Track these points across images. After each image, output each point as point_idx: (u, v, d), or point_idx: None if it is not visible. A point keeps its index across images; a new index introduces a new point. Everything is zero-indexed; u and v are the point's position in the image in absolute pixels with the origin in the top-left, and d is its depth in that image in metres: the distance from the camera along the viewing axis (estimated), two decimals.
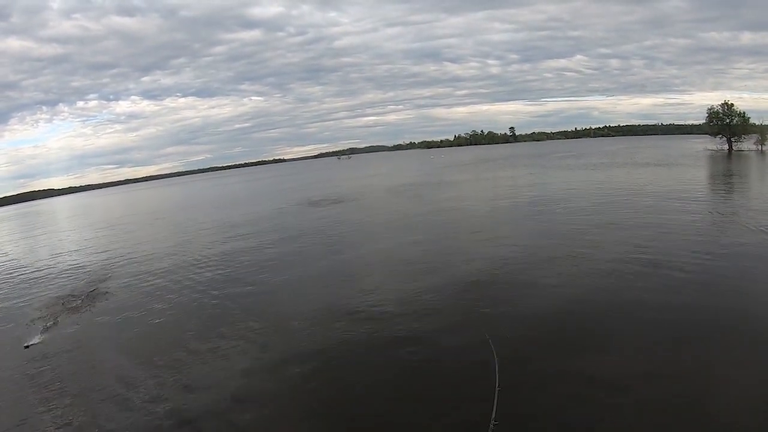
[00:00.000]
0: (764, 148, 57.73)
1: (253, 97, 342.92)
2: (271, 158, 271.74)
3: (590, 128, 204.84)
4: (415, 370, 8.78)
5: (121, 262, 21.24)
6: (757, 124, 60.94)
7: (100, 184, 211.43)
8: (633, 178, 37.03)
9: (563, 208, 24.40)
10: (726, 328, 9.36)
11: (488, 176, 50.98)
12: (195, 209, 46.42)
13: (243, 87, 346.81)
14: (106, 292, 16.23)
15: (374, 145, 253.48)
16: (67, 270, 21.12)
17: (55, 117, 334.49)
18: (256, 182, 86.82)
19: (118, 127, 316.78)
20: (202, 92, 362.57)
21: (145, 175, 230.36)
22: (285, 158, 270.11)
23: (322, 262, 17.64)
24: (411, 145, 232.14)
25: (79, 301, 15.39)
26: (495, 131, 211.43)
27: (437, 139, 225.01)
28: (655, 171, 42.25)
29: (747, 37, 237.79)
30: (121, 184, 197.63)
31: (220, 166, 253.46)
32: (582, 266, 14.16)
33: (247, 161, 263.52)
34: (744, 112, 60.74)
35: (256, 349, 10.34)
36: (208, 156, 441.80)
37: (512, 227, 21.56)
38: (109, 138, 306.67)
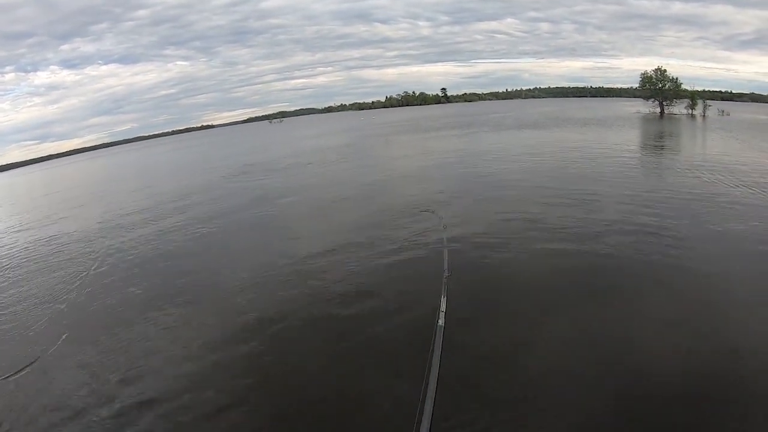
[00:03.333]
0: (694, 111, 62.43)
1: (178, 62, 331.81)
2: (199, 125, 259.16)
3: (521, 90, 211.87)
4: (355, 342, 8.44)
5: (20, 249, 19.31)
6: (689, 89, 66.92)
7: (21, 162, 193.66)
8: (580, 137, 39.06)
9: (519, 168, 25.35)
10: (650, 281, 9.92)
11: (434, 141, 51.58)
12: (119, 184, 43.39)
13: (167, 52, 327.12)
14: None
15: (304, 108, 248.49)
16: None
17: None
18: (184, 151, 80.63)
19: (37, 100, 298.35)
20: (125, 59, 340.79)
21: (68, 149, 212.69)
22: (214, 124, 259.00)
23: (260, 231, 17.09)
24: (342, 108, 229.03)
25: None
26: (427, 92, 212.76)
27: (369, 100, 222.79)
28: (598, 130, 44.79)
29: (677, 7, 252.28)
30: (44, 161, 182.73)
31: (147, 135, 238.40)
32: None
33: (174, 129, 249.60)
34: (676, 78, 66.00)
35: (196, 330, 9.56)
36: (134, 125, 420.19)
37: (445, 182, 21.99)
38: (28, 112, 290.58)
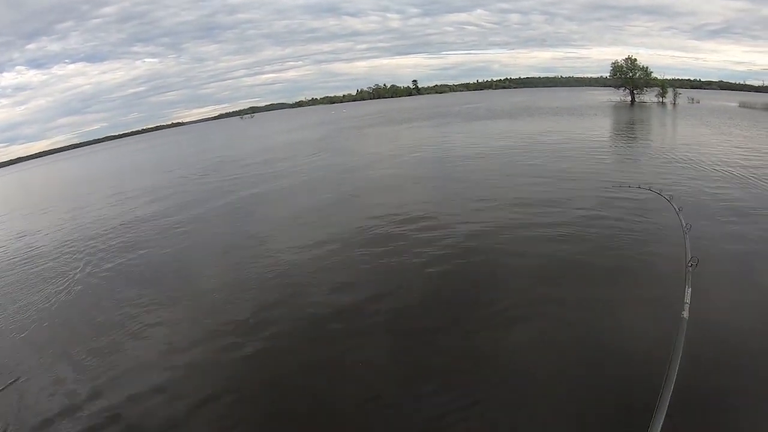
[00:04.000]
0: (664, 99, 64.11)
1: (146, 60, 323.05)
2: (170, 122, 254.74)
3: (491, 80, 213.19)
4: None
5: None
6: (659, 78, 68.87)
7: None
8: (554, 126, 39.20)
9: (505, 157, 25.42)
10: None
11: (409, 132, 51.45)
12: (87, 185, 42.61)
13: (135, 49, 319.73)
14: None
15: (275, 102, 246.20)
16: None
17: None
18: (154, 150, 76.67)
19: (4, 101, 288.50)
20: (93, 57, 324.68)
21: (37, 151, 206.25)
22: (184, 121, 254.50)
23: (232, 228, 16.55)
24: (313, 102, 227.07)
25: None
26: (398, 84, 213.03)
27: (339, 94, 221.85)
28: (571, 119, 45.27)
29: None
30: (13, 164, 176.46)
31: (117, 134, 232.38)
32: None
33: (145, 127, 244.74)
34: (647, 67, 67.59)
35: (175, 330, 9.29)
36: (104, 125, 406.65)
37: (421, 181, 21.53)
38: None
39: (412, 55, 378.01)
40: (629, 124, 40.69)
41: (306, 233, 14.39)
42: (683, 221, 6.78)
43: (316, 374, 7.24)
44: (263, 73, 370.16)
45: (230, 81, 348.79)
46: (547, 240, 11.75)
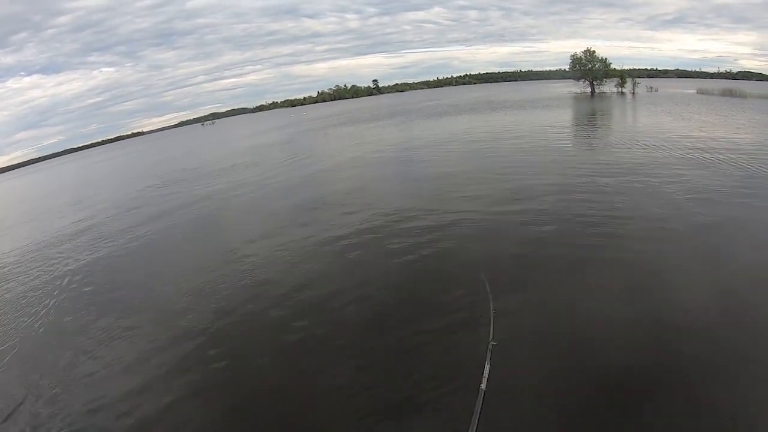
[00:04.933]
0: (624, 89, 65.74)
1: (103, 69, 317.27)
2: (130, 132, 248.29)
3: (451, 77, 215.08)
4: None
5: None
6: (617, 69, 70.46)
7: None
8: (521, 118, 39.63)
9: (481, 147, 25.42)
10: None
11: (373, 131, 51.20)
12: (46, 201, 40.78)
13: (92, 59, 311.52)
14: None
15: (236, 108, 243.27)
16: None
17: None
18: (113, 161, 73.06)
19: None
20: (48, 69, 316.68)
21: None
22: (144, 131, 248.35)
23: (197, 236, 15.99)
24: (274, 105, 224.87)
25: None
26: (358, 85, 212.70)
27: (300, 96, 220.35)
28: (533, 111, 45.68)
29: None
30: None
31: (77, 147, 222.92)
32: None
33: (105, 138, 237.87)
34: (606, 58, 69.28)
35: (145, 342, 8.82)
36: (62, 138, 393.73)
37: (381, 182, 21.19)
38: None
39: (371, 55, 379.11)
40: (591, 114, 41.14)
41: (273, 236, 14.02)
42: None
43: (287, 378, 7.07)
44: (223, 78, 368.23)
45: (190, 87, 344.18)
46: (517, 229, 11.79)
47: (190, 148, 64.10)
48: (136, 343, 8.80)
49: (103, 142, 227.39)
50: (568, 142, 25.19)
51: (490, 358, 4.60)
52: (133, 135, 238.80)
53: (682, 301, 7.68)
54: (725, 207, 12.09)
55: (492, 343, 4.91)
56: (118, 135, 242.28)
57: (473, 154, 23.84)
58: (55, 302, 11.61)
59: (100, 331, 9.50)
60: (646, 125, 29.53)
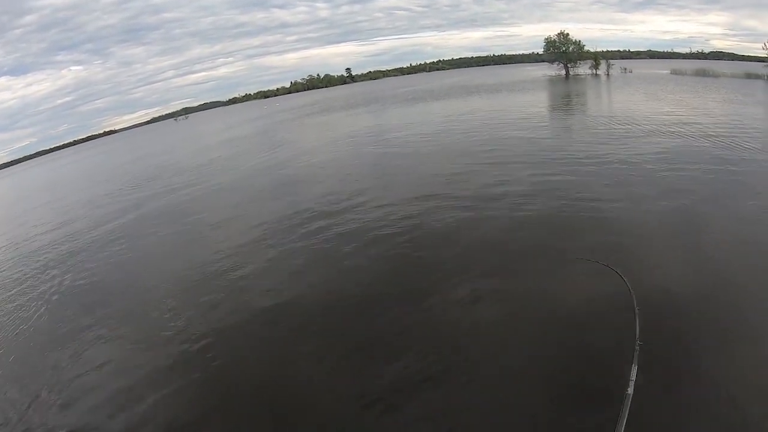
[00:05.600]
0: (598, 71, 66.56)
1: (72, 68, 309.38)
2: (102, 131, 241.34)
3: (425, 63, 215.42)
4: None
5: None
6: (591, 51, 71.38)
7: None
8: (498, 102, 39.78)
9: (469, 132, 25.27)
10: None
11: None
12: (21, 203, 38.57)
13: (59, 58, 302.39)
14: None
15: (208, 101, 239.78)
16: None
17: None
18: (84, 162, 68.52)
19: None
20: (16, 70, 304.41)
21: None
22: (116, 129, 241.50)
23: (171, 234, 15.56)
24: (247, 97, 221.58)
25: None
26: (331, 74, 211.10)
27: (273, 87, 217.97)
28: (510, 95, 45.87)
29: None
30: None
31: (48, 148, 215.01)
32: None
33: (76, 138, 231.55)
34: (579, 41, 70.15)
35: (128, 342, 8.67)
36: (33, 140, 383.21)
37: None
38: None
39: (343, 44, 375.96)
40: (567, 96, 41.34)
41: (252, 228, 13.80)
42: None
43: (269, 368, 7.10)
44: (193, 72, 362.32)
45: (160, 83, 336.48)
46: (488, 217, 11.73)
47: (166, 145, 62.48)
48: (117, 342, 8.62)
49: (74, 143, 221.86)
50: (546, 123, 25.29)
51: (637, 361, 4.40)
52: (105, 134, 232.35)
53: (665, 278, 7.75)
54: (708, 186, 12.15)
55: (639, 343, 4.63)
56: (90, 135, 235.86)
57: (451, 137, 23.83)
58: (31, 308, 11.20)
59: (81, 332, 9.22)
60: (624, 105, 30.06)
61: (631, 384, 3.96)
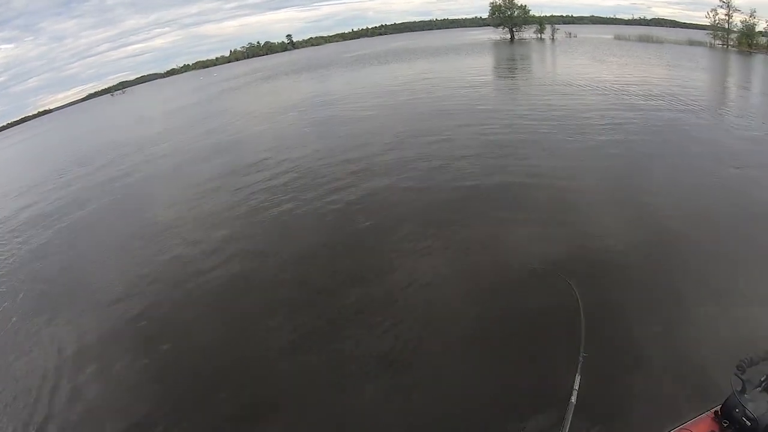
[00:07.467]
0: (543, 35, 67.17)
1: (1, 46, 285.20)
2: (36, 111, 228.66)
3: (367, 28, 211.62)
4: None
5: None
6: (537, 15, 72.34)
7: None
8: (444, 65, 39.46)
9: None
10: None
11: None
12: None
13: None
14: None
15: (146, 74, 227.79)
16: None
17: None
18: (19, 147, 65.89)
19: None
20: None
21: None
22: (51, 108, 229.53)
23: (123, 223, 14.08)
24: (186, 68, 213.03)
25: None
26: (272, 41, 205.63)
27: (212, 57, 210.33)
28: (457, 57, 45.95)
29: None
30: None
31: None
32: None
33: (10, 121, 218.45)
34: (525, 5, 70.34)
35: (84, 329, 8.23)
36: None
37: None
38: None
39: (283, 10, 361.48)
40: (511, 59, 41.69)
41: (198, 204, 13.53)
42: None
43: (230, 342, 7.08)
44: (129, 45, 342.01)
45: (94, 57, 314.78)
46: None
47: (101, 122, 58.76)
48: (73, 331, 8.16)
49: (8, 126, 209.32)
50: (492, 86, 25.33)
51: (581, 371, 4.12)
52: (40, 114, 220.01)
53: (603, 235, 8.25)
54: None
55: (583, 354, 4.30)
56: (23, 116, 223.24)
57: (395, 98, 23.88)
58: None
59: (31, 324, 8.69)
60: (571, 68, 30.31)
61: (575, 393, 3.82)
